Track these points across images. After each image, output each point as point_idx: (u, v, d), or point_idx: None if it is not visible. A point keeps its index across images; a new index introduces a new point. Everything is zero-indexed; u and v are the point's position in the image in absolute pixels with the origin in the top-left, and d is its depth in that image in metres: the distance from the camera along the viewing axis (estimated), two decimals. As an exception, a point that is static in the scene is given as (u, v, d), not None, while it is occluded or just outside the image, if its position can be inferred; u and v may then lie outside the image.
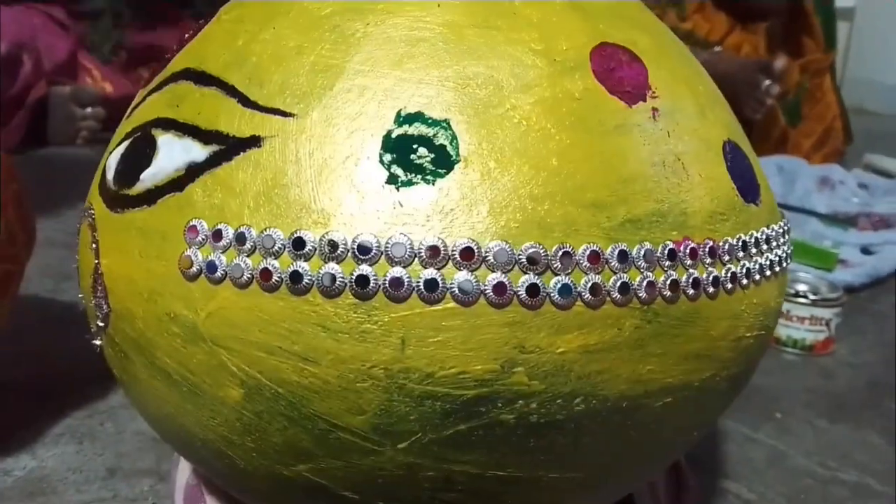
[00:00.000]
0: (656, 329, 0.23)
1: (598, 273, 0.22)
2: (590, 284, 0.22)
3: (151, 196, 0.24)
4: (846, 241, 0.90)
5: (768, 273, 0.27)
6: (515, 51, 0.24)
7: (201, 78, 0.25)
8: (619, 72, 0.25)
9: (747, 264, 0.26)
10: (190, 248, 0.23)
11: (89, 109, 1.30)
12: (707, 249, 0.24)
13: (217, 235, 0.23)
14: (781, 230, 0.29)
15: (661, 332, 0.23)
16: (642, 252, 0.23)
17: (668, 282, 0.23)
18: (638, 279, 0.22)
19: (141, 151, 0.25)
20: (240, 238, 0.22)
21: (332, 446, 0.23)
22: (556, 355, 0.22)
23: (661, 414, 0.24)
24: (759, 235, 0.27)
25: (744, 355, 0.27)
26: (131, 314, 0.25)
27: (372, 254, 0.21)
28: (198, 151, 0.24)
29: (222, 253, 0.22)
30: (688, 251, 0.24)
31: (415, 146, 0.22)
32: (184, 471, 0.37)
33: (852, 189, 1.11)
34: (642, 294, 0.22)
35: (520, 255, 0.21)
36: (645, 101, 0.25)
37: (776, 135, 1.31)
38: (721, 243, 0.25)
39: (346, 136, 0.22)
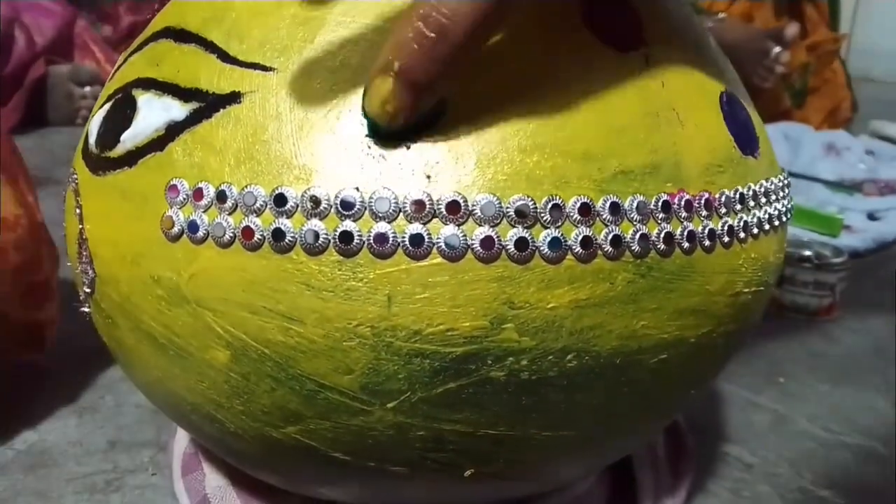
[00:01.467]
0: (650, 283, 0.22)
1: (590, 226, 0.21)
2: (580, 237, 0.21)
3: (132, 157, 0.24)
4: (852, 207, 0.90)
5: (767, 227, 0.26)
6: None
7: (181, 35, 0.25)
8: (610, 21, 0.24)
9: (745, 217, 0.25)
10: (171, 208, 0.23)
11: (88, 88, 1.30)
12: (703, 202, 0.24)
13: (198, 194, 0.22)
14: (781, 184, 0.28)
15: (655, 286, 0.23)
16: (635, 204, 0.22)
17: (662, 235, 0.22)
18: (631, 232, 0.22)
19: (121, 112, 0.25)
20: (221, 196, 0.22)
21: (321, 407, 0.23)
22: (547, 311, 0.21)
23: (656, 371, 0.24)
24: (756, 188, 0.26)
25: (742, 312, 0.26)
26: (115, 279, 0.25)
27: (355, 209, 0.21)
28: (178, 110, 0.23)
29: (204, 212, 0.22)
30: (682, 203, 0.23)
31: None
32: (181, 440, 0.37)
33: (858, 155, 1.10)
34: (635, 247, 0.22)
35: (507, 208, 0.21)
36: (637, 49, 0.24)
37: (780, 113, 1.30)
38: (718, 195, 0.24)
39: (327, 90, 0.22)
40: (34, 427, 0.42)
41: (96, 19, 1.52)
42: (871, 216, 0.90)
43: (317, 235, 0.21)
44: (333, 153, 0.21)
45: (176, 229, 0.22)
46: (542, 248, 0.21)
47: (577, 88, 0.23)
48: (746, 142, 0.26)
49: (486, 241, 0.21)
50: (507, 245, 0.21)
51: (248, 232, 0.21)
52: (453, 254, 0.21)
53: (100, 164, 0.25)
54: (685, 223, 0.23)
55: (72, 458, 0.40)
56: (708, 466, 0.41)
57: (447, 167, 0.21)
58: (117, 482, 0.38)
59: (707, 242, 0.24)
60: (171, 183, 0.23)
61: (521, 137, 0.21)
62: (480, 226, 0.21)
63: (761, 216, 0.26)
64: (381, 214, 0.21)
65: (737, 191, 0.25)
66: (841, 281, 0.62)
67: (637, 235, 0.22)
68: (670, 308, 0.23)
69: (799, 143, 1.13)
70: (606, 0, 0.24)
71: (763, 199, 0.26)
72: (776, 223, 0.27)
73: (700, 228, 0.23)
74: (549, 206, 0.21)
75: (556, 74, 0.23)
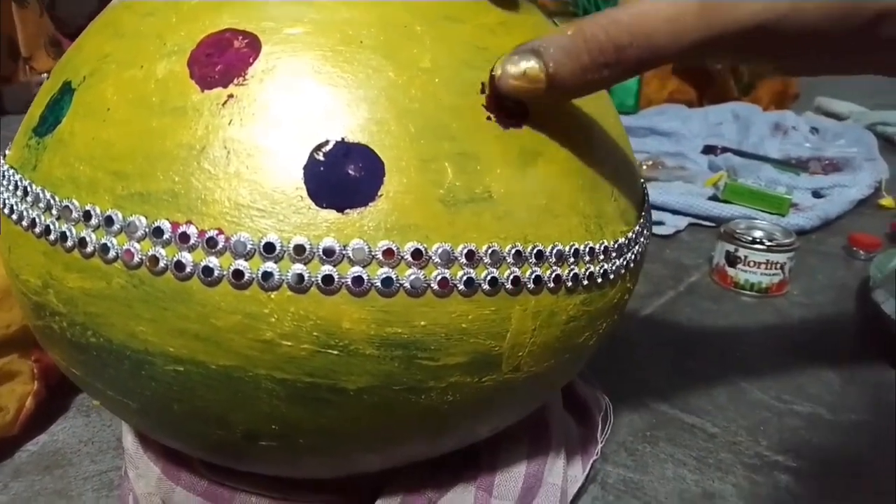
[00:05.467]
0: (143, 294, 0.25)
1: (92, 230, 0.25)
2: (79, 237, 0.25)
3: None
4: (799, 186, 0.95)
5: (309, 285, 0.24)
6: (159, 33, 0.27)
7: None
8: (216, 57, 0.25)
9: (263, 266, 0.24)
10: None
11: (45, 76, 1.28)
12: (210, 236, 0.24)
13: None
14: (365, 249, 0.24)
15: (149, 299, 0.25)
16: (141, 221, 0.24)
17: (150, 255, 0.24)
18: (126, 244, 0.24)
19: None
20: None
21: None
22: (68, 289, 0.26)
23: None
24: (311, 242, 0.24)
25: (291, 364, 0.25)
26: None
27: None
28: None
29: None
30: (178, 234, 0.24)
31: None
32: (127, 434, 0.38)
33: (804, 134, 1.16)
34: (126, 258, 0.24)
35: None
36: (226, 86, 0.25)
37: (729, 101, 1.33)
38: (237, 236, 0.24)
39: None
40: (43, 429, 0.44)
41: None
42: (816, 193, 0.95)
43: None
44: None
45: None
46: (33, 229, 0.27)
47: (141, 115, 0.26)
48: (329, 194, 0.24)
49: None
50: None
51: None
52: None
53: None
54: (183, 252, 0.24)
55: (86, 456, 0.42)
56: (676, 437, 0.45)
57: None
58: (134, 478, 0.40)
59: (202, 276, 0.24)
60: None
61: (87, 149, 0.26)
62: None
63: (305, 273, 0.24)
64: None
65: (266, 238, 0.24)
66: (790, 259, 0.66)
67: (126, 248, 0.24)
68: (168, 324, 0.25)
69: (748, 123, 1.17)
70: None
71: (323, 255, 0.24)
72: (332, 286, 0.24)
73: (191, 258, 0.24)
74: (63, 206, 0.26)
75: (130, 100, 0.26)
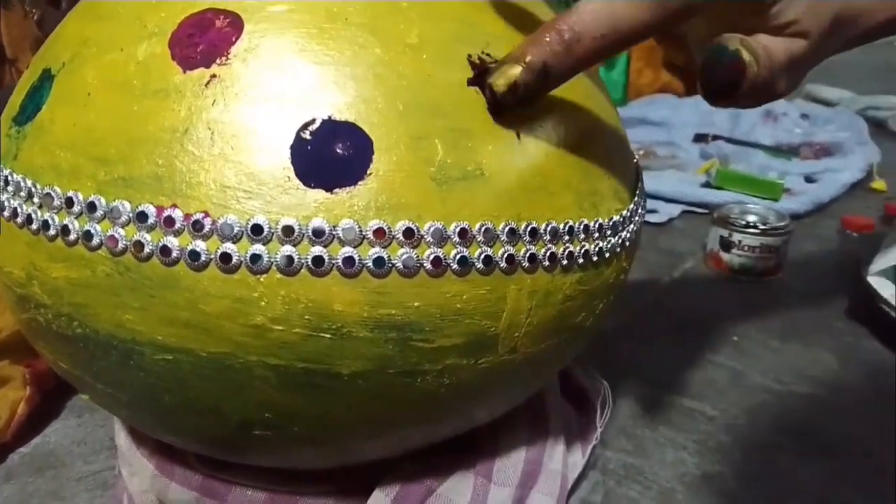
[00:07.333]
0: (129, 282, 0.24)
1: (75, 217, 0.25)
2: (61, 225, 0.25)
3: None
4: (790, 171, 0.95)
5: (304, 267, 0.23)
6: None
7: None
8: (197, 38, 0.25)
9: (251, 248, 0.23)
10: None
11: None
12: (196, 220, 0.23)
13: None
14: (355, 229, 0.23)
15: (135, 286, 0.24)
16: (125, 206, 0.24)
17: (134, 241, 0.24)
18: (110, 231, 0.24)
19: None
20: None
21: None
22: (52, 279, 0.25)
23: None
24: (300, 223, 0.23)
25: (284, 349, 0.24)
26: None
27: None
28: None
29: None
30: (163, 218, 0.23)
31: None
32: (119, 432, 0.38)
33: (795, 120, 1.16)
34: (110, 244, 0.24)
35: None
36: (209, 66, 0.24)
37: None
38: (223, 218, 0.23)
39: None
40: (36, 430, 0.43)
41: None
42: (808, 178, 0.95)
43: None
44: None
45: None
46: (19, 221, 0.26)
47: (124, 99, 0.25)
48: (318, 173, 0.23)
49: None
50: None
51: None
52: None
53: None
54: (168, 236, 0.23)
55: (78, 457, 0.41)
56: (676, 421, 0.45)
57: None
58: (128, 477, 0.39)
59: (189, 260, 0.23)
60: None
61: (63, 136, 0.26)
62: None
63: (295, 255, 0.23)
64: None
65: (252, 218, 0.23)
66: (784, 243, 0.66)
67: (111, 234, 0.24)
68: (156, 312, 0.24)
69: (739, 110, 1.17)
70: None
71: (312, 235, 0.23)
72: (325, 268, 0.23)
73: (177, 242, 0.23)
74: (44, 192, 0.25)
75: (112, 83, 0.26)
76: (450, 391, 0.26)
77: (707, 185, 0.89)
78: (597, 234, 0.28)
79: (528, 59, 0.25)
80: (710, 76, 0.26)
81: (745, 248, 0.66)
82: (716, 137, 1.06)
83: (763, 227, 0.66)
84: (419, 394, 0.26)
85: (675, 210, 0.84)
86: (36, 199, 0.25)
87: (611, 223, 0.29)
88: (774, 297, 0.64)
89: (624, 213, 0.30)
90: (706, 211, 0.84)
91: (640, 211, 0.32)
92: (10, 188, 0.26)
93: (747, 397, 0.48)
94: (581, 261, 0.27)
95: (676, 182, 0.88)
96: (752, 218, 0.68)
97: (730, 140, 1.05)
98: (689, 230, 0.80)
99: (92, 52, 0.26)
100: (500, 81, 0.25)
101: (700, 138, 1.08)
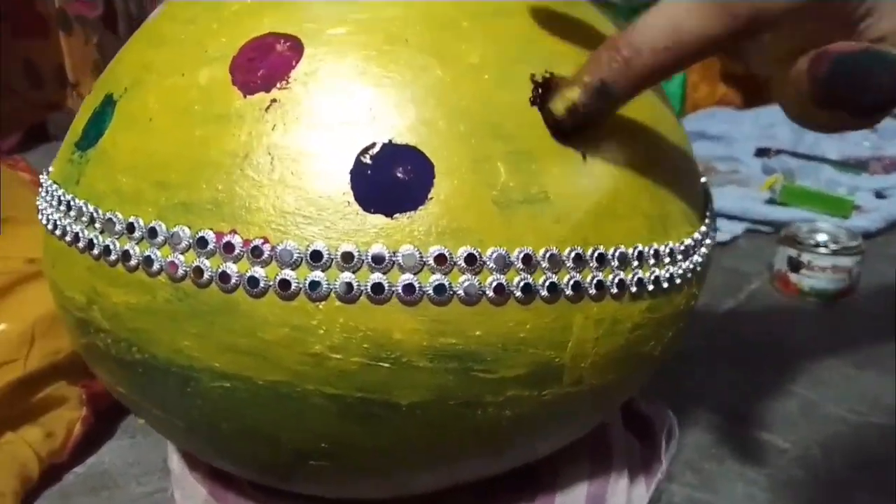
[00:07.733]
0: (188, 308, 0.24)
1: (136, 242, 0.25)
2: (122, 251, 0.25)
3: None
4: (860, 187, 0.91)
5: (364, 294, 0.23)
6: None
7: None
8: (258, 62, 0.25)
9: (310, 275, 0.22)
10: None
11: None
12: (255, 245, 0.23)
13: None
14: (415, 255, 0.23)
15: (194, 312, 0.24)
16: (185, 232, 0.23)
17: (194, 267, 0.23)
18: (170, 256, 0.24)
19: None
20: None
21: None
22: (112, 304, 0.25)
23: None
24: (360, 249, 0.22)
25: (341, 378, 0.23)
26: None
27: None
28: None
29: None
30: (222, 244, 0.23)
31: None
32: (172, 454, 0.38)
33: (863, 133, 1.11)
34: (170, 270, 0.24)
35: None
36: (269, 91, 0.24)
37: None
38: (283, 244, 0.23)
39: None
40: (90, 451, 0.43)
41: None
42: (879, 194, 0.90)
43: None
44: None
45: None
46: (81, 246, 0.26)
47: (186, 122, 0.25)
48: (380, 200, 0.23)
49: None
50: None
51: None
52: None
53: None
54: (228, 262, 0.23)
55: (132, 478, 0.41)
56: (745, 454, 0.43)
57: None
58: (182, 499, 0.39)
59: (248, 287, 0.23)
60: None
61: (128, 159, 0.27)
62: None
63: (354, 281, 0.22)
64: None
65: (312, 245, 0.23)
66: (857, 263, 0.63)
67: (171, 261, 0.24)
68: (214, 337, 0.24)
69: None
70: None
71: (373, 262, 0.23)
72: (378, 295, 0.23)
73: (240, 271, 0.23)
74: (105, 217, 0.25)
75: (176, 108, 0.26)
76: (511, 423, 0.25)
77: (772, 201, 0.86)
78: (667, 260, 0.26)
79: (585, 79, 0.24)
80: (862, 88, 0.23)
81: (816, 268, 0.63)
82: (779, 151, 1.02)
83: (835, 246, 0.63)
84: (479, 425, 0.25)
85: (739, 228, 0.81)
86: (97, 225, 0.26)
87: (682, 247, 0.27)
88: (848, 320, 0.61)
89: (695, 236, 0.28)
90: (771, 229, 0.81)
91: (710, 234, 0.31)
92: (72, 213, 0.27)
93: (821, 428, 0.45)
94: (651, 287, 0.26)
95: (739, 198, 0.85)
96: (822, 237, 0.65)
97: (794, 154, 1.01)
98: (753, 249, 0.77)
99: (153, 78, 0.26)
100: (558, 104, 0.24)
101: (762, 152, 1.04)
